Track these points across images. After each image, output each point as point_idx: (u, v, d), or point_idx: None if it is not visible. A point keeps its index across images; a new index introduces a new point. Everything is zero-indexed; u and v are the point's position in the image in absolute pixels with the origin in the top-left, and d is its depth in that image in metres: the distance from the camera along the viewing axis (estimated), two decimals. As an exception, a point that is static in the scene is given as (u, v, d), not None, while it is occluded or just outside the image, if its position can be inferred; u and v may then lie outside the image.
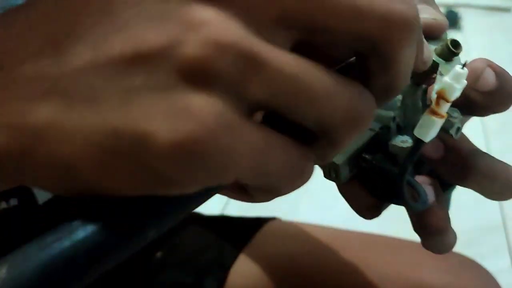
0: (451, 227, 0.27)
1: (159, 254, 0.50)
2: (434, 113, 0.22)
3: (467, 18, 2.32)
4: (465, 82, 0.22)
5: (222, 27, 0.15)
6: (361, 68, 0.19)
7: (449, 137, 0.26)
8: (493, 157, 0.27)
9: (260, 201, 0.20)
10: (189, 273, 0.49)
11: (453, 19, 2.24)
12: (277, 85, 0.16)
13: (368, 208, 0.28)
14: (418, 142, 0.24)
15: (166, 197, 0.17)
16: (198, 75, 0.15)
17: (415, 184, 0.26)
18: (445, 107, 0.22)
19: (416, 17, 0.17)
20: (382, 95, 0.19)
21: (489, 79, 0.24)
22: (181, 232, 0.53)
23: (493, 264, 1.07)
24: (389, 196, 0.27)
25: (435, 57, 0.24)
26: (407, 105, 0.26)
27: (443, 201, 0.27)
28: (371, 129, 0.27)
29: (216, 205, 1.21)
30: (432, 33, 0.25)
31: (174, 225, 0.18)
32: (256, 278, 0.48)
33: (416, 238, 0.49)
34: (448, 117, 0.24)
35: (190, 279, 0.49)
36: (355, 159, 0.26)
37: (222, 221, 0.55)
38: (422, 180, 0.27)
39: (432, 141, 0.24)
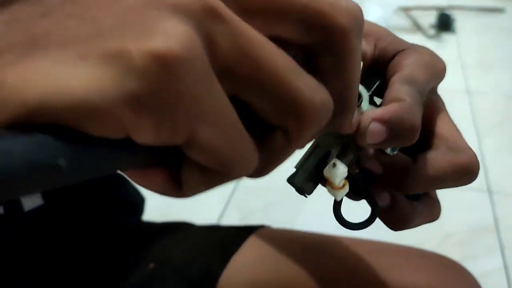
0: (418, 217, 0.30)
1: (151, 265, 0.52)
2: (332, 186, 0.26)
3: (461, 20, 2.33)
4: (345, 172, 0.25)
5: None
6: (314, 70, 0.20)
7: (385, 156, 0.28)
8: (433, 162, 0.28)
9: (188, 195, 0.19)
10: (179, 284, 0.50)
11: (446, 22, 2.24)
12: (242, 47, 0.17)
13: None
14: (334, 201, 0.28)
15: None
16: (173, 6, 0.16)
17: (369, 197, 0.30)
18: (339, 184, 0.26)
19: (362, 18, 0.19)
20: (337, 99, 0.20)
21: (376, 132, 0.25)
22: (173, 244, 0.54)
23: (485, 264, 1.09)
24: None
25: None
26: None
27: (402, 202, 0.30)
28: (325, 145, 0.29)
29: (213, 215, 1.23)
30: None
31: (99, 175, 0.17)
32: (244, 286, 0.49)
33: (398, 241, 0.51)
34: None
35: None
36: (316, 173, 0.28)
37: (212, 231, 0.57)
38: (378, 188, 0.30)
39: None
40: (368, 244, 0.51)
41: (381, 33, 0.30)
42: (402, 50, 0.29)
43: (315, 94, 0.18)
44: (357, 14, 0.19)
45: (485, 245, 1.15)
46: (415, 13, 2.35)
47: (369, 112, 0.25)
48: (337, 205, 0.29)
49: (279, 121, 0.18)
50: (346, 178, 0.28)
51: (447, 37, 2.23)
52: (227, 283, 0.50)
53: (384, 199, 0.29)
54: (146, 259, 0.53)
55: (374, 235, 0.52)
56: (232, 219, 1.19)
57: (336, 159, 0.26)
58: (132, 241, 0.55)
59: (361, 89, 0.27)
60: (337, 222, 0.30)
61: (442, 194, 0.31)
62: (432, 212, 0.32)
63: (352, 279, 0.47)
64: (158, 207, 1.24)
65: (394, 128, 0.25)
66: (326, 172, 0.26)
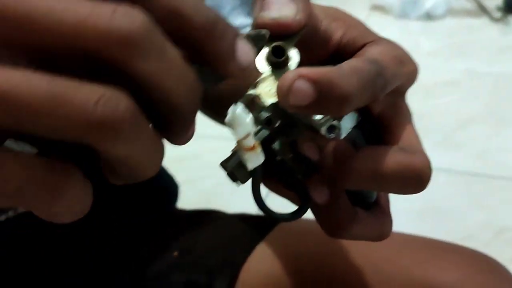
0: (360, 226, 0.27)
1: (176, 253, 0.52)
2: (240, 146, 0.23)
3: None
4: (246, 121, 0.22)
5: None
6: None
7: (322, 139, 0.25)
8: (377, 156, 0.25)
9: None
10: (201, 272, 0.51)
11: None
12: None
13: (294, 199, 0.28)
14: (252, 179, 0.25)
15: None
16: None
17: (299, 187, 0.27)
18: (246, 141, 0.23)
19: (142, 31, 0.16)
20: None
21: (302, 91, 0.22)
22: (197, 234, 0.55)
23: None
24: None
25: (265, 63, 0.24)
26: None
27: (342, 203, 0.27)
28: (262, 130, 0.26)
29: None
30: (282, 33, 0.24)
31: None
32: (266, 276, 0.49)
33: (429, 232, 0.49)
34: (313, 121, 0.24)
35: (202, 279, 0.50)
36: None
37: (239, 220, 0.57)
38: (314, 180, 0.27)
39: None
40: (396, 236, 0.50)
41: (353, 22, 0.28)
42: (373, 41, 0.27)
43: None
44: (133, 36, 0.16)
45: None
46: (480, -5, 2.25)
47: (295, 70, 0.22)
48: (255, 184, 0.26)
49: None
50: (276, 163, 0.26)
51: (513, 19, 2.12)
52: (248, 273, 0.50)
53: (320, 195, 0.27)
54: (171, 246, 0.53)
55: (413, 227, 0.50)
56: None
57: (238, 103, 0.23)
58: (160, 228, 0.56)
59: (294, 52, 0.24)
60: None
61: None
62: (379, 226, 0.29)
63: (374, 272, 0.46)
64: (197, 195, 1.26)
65: (323, 90, 0.22)
66: (226, 120, 0.22)
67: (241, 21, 0.50)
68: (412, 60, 0.28)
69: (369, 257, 0.47)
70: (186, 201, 0.65)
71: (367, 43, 0.27)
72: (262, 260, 0.50)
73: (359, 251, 0.47)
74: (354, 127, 0.26)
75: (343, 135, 0.26)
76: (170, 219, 0.59)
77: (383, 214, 0.29)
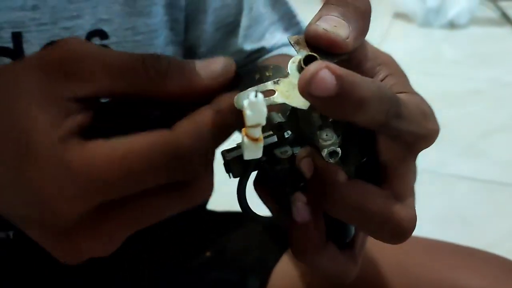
0: (326, 260, 0.27)
1: (207, 254, 0.54)
2: (246, 134, 0.22)
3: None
4: (263, 110, 0.22)
5: None
6: None
7: (320, 159, 0.25)
8: (367, 192, 0.26)
9: None
10: (234, 272, 0.52)
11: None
12: None
13: (275, 210, 0.29)
14: (239, 179, 0.25)
15: None
16: None
17: (287, 199, 0.27)
18: (253, 131, 0.22)
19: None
20: None
21: (324, 82, 0.21)
22: (229, 235, 0.56)
23: None
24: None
25: (293, 69, 0.24)
26: (298, 116, 0.26)
27: (316, 232, 0.27)
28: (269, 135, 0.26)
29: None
30: (326, 47, 0.25)
31: None
32: (297, 278, 0.50)
33: (453, 240, 0.50)
34: (320, 140, 0.24)
35: (235, 278, 0.52)
36: (250, 160, 0.25)
37: (270, 224, 0.59)
38: (299, 197, 0.27)
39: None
40: (422, 241, 0.50)
41: (397, 71, 0.29)
42: (406, 92, 0.28)
43: None
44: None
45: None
46: (504, 4, 2.23)
47: (322, 61, 0.22)
48: (241, 184, 0.26)
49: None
50: (265, 167, 0.26)
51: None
52: (281, 275, 0.51)
53: (300, 213, 0.26)
54: (203, 247, 0.55)
55: (437, 234, 0.52)
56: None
57: (260, 93, 0.22)
58: (191, 229, 0.58)
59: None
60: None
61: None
62: (342, 267, 0.29)
63: (405, 276, 0.47)
64: (227, 196, 1.27)
65: (344, 87, 0.22)
66: (244, 102, 0.22)
67: (278, 38, 0.51)
68: (436, 121, 0.28)
69: (400, 260, 0.47)
70: (212, 203, 0.66)
71: (401, 93, 0.28)
72: (292, 263, 0.51)
73: (390, 254, 0.48)
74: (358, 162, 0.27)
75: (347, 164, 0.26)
76: (202, 219, 0.61)
77: (352, 258, 0.29)
